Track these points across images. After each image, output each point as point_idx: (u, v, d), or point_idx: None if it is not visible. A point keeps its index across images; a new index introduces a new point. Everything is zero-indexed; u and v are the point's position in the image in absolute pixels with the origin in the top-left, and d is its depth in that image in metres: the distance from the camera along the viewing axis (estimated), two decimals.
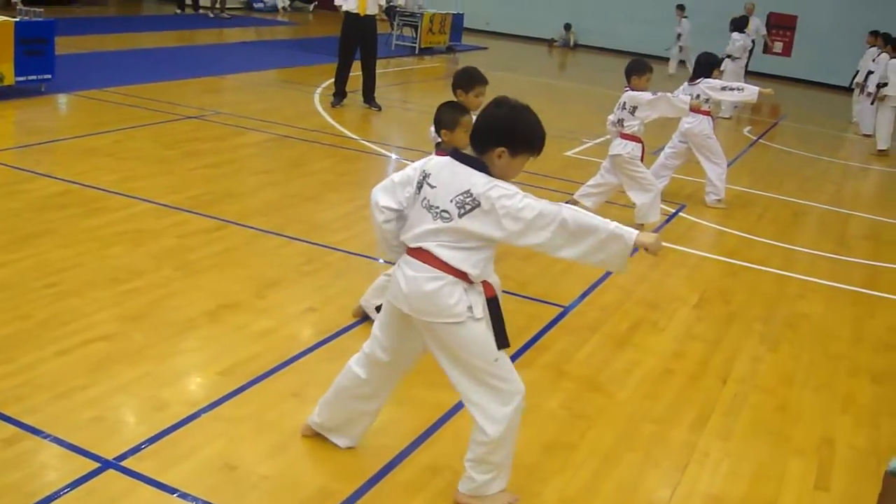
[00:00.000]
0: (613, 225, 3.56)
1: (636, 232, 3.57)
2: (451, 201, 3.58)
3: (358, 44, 13.24)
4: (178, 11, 23.71)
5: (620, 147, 8.37)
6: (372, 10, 13.05)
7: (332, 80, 13.51)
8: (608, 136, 8.80)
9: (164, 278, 6.19)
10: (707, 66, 9.78)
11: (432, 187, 3.66)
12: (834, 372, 6.05)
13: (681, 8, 22.95)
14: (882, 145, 15.00)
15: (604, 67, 23.81)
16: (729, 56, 17.35)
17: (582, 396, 5.24)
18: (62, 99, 11.83)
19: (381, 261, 6.66)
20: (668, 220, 9.19)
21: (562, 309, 6.52)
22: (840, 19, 23.35)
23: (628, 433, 4.87)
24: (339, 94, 13.37)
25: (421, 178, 3.74)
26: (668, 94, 8.43)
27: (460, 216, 3.57)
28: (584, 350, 5.87)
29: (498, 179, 3.58)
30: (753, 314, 6.92)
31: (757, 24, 20.56)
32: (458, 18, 23.05)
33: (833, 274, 8.15)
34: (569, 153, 11.91)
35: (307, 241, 7.27)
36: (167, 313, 5.66)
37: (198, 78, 14.60)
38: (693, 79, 9.78)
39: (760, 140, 15.23)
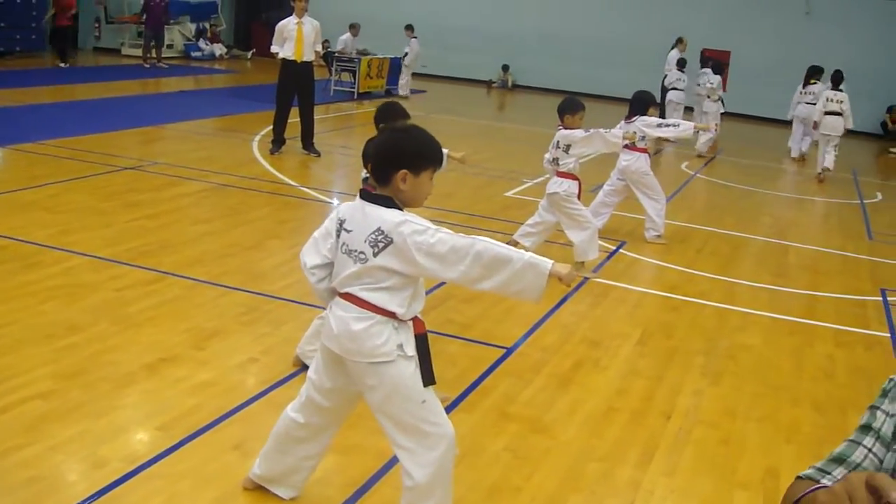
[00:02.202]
0: (528, 255, 3.56)
1: (551, 262, 3.56)
2: (365, 241, 3.60)
3: (295, 90, 13.27)
4: (62, 65, 22.83)
5: (557, 185, 8.42)
6: (308, 56, 13.09)
7: (271, 127, 13.49)
8: (548, 177, 8.85)
9: (101, 333, 6.10)
10: (642, 103, 9.87)
11: (348, 232, 3.68)
12: (776, 402, 6.10)
13: (409, 28, 23.27)
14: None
15: (542, 107, 23.98)
16: (709, 96, 17.78)
17: (526, 438, 5.22)
18: None
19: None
20: (608, 258, 9.25)
21: (504, 350, 6.51)
22: (771, 53, 23.80)
23: (573, 474, 4.86)
24: (278, 140, 13.36)
25: (338, 226, 3.76)
26: (601, 130, 8.49)
27: (374, 255, 3.58)
28: (528, 391, 5.86)
29: (409, 214, 3.60)
30: (695, 348, 6.97)
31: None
32: (395, 62, 23.15)
33: (772, 305, 8.24)
34: (509, 193, 11.96)
35: (247, 291, 7.21)
36: (105, 369, 5.57)
37: (136, 128, 14.49)
38: (629, 116, 9.87)
39: (698, 174, 15.41)
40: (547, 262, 3.55)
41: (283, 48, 12.96)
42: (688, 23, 24.40)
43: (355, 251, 3.64)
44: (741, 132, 21.99)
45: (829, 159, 16.21)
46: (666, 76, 20.74)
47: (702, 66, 20.64)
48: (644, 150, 9.87)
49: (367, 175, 5.11)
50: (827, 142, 16.32)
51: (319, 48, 13.57)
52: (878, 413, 1.83)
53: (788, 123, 19.37)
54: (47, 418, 4.88)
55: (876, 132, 23.58)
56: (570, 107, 8.42)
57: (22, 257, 7.49)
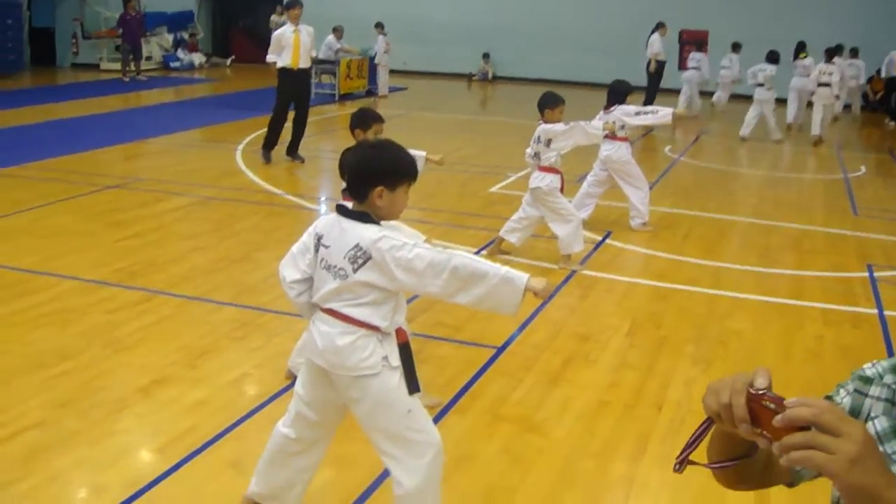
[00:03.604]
0: (504, 270, 3.60)
1: (527, 276, 3.61)
2: (345, 258, 3.64)
3: (293, 98, 13.27)
4: None
5: (539, 180, 8.46)
6: (305, 63, 13.12)
7: (253, 135, 13.49)
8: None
9: (93, 358, 6.13)
10: (620, 92, 9.89)
11: (326, 247, 3.72)
12: None
13: (379, 26, 23.28)
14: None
15: (523, 98, 23.98)
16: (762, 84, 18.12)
17: (519, 438, 5.27)
18: None
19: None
20: (595, 248, 9.30)
21: (495, 350, 6.55)
22: (749, 31, 23.83)
23: (567, 472, 4.91)
24: (269, 146, 13.29)
25: (315, 241, 3.79)
26: (582, 123, 8.53)
27: (354, 271, 3.62)
28: (520, 390, 5.91)
29: (386, 229, 3.65)
30: (685, 336, 7.02)
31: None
32: (374, 61, 23.13)
33: (760, 288, 8.30)
34: (494, 189, 12.01)
35: (237, 305, 7.25)
36: (99, 394, 5.61)
37: (117, 145, 14.50)
38: (607, 106, 9.89)
39: (681, 158, 15.47)
40: (523, 277, 3.60)
41: (281, 57, 12.94)
42: (664, 5, 24.43)
43: (335, 266, 3.68)
44: (723, 112, 22.02)
45: (819, 126, 18.08)
46: (651, 60, 20.81)
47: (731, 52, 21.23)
48: (625, 139, 9.91)
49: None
50: (822, 108, 18.20)
51: (314, 54, 13.60)
52: (841, 391, 1.85)
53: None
54: (44, 449, 4.91)
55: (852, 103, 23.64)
56: (550, 101, 8.46)
57: (9, 286, 7.51)
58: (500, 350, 6.58)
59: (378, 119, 6.04)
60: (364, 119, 6.03)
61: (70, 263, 8.11)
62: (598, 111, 10.00)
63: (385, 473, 4.65)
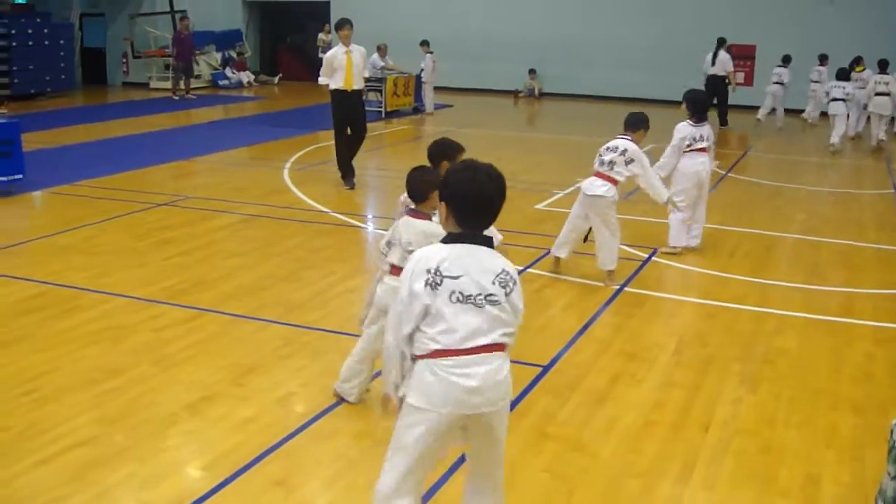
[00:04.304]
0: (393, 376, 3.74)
1: (391, 390, 3.77)
2: (493, 283, 3.59)
3: (348, 120, 13.15)
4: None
5: (602, 188, 8.41)
6: (358, 84, 12.99)
7: (300, 153, 13.54)
8: (579, 186, 8.83)
9: (141, 375, 6.21)
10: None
11: (456, 278, 3.54)
12: (815, 407, 6.09)
13: (425, 44, 23.22)
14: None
15: (569, 115, 24.05)
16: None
17: (565, 457, 5.26)
18: (33, 198, 11.89)
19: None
20: (641, 266, 9.25)
21: (541, 368, 6.54)
22: (796, 45, 23.66)
23: (613, 491, 4.89)
24: (347, 174, 13.15)
25: (432, 276, 3.55)
26: (655, 172, 8.73)
27: (507, 294, 3.61)
28: (566, 409, 5.89)
29: None
30: (731, 355, 6.96)
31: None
32: (421, 79, 23.21)
33: (808, 305, 8.22)
34: (539, 206, 12.00)
35: (283, 323, 7.30)
36: (147, 411, 5.67)
37: (167, 163, 14.67)
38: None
39: (730, 174, 15.35)
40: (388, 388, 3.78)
41: (334, 78, 12.83)
42: (712, 20, 24.32)
43: (479, 295, 3.56)
44: (768, 126, 21.88)
45: (882, 132, 18.98)
46: (709, 76, 20.97)
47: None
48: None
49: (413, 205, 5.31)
50: (879, 118, 18.95)
51: (367, 74, 13.59)
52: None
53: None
54: (92, 465, 4.98)
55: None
56: (641, 123, 8.74)
57: (61, 302, 7.63)
58: (547, 368, 6.56)
59: (461, 149, 5.92)
60: (451, 149, 5.88)
61: (120, 281, 8.22)
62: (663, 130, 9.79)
63: (452, 469, 4.72)
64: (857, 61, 20.08)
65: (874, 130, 19.15)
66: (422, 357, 3.59)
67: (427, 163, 5.77)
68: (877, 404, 6.16)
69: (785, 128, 21.32)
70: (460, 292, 3.54)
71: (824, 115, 20.33)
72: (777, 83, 21.61)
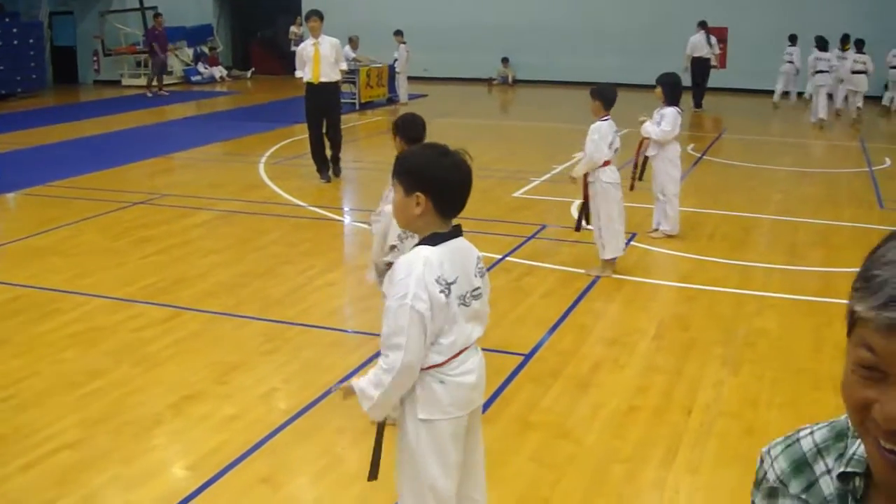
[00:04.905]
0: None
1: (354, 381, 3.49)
2: (476, 275, 3.43)
3: (321, 113, 13.06)
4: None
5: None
6: (328, 77, 12.82)
7: (275, 147, 13.49)
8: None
9: (123, 376, 6.18)
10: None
11: (452, 284, 3.30)
12: (797, 387, 6.12)
13: (398, 34, 23.22)
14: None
15: (543, 102, 24.07)
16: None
17: (550, 446, 5.27)
18: (7, 199, 11.81)
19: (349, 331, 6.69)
20: None
21: (523, 357, 6.55)
22: (768, 26, 23.74)
23: (599, 478, 4.91)
24: (321, 167, 13.07)
25: (442, 288, 3.26)
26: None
27: (482, 280, 3.48)
28: (549, 397, 5.91)
29: None
30: (713, 338, 6.99)
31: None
32: (394, 69, 23.16)
33: (788, 286, 8.26)
34: (517, 194, 11.99)
35: (264, 319, 7.28)
36: (130, 412, 5.65)
37: (142, 161, 14.59)
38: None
39: (704, 157, 15.40)
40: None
41: (304, 71, 12.79)
42: (684, 2, 24.37)
43: (467, 293, 3.37)
44: (742, 107, 21.96)
45: (859, 103, 20.18)
46: (694, 58, 21.20)
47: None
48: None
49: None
50: (854, 94, 20.27)
51: (344, 66, 13.48)
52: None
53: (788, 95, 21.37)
54: (77, 468, 4.96)
55: (878, 95, 23.44)
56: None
57: (39, 305, 7.58)
58: (528, 357, 6.58)
59: (423, 128, 5.81)
60: (413, 127, 5.74)
61: (97, 282, 8.18)
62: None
63: None
64: (845, 40, 20.83)
65: (852, 103, 20.36)
66: (425, 370, 3.35)
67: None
68: None
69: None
70: (459, 295, 3.33)
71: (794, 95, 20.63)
72: (789, 62, 22.20)
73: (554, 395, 5.95)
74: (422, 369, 3.34)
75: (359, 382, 3.41)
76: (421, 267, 3.23)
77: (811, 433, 1.45)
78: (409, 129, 5.64)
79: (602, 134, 8.10)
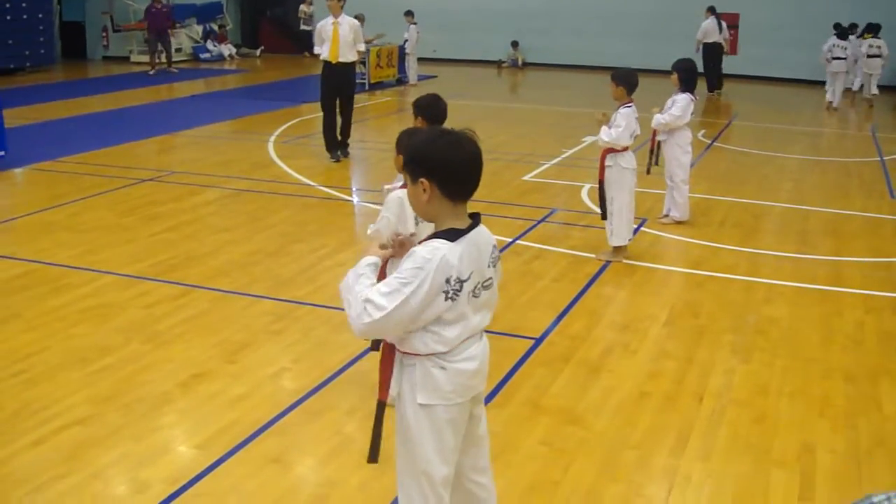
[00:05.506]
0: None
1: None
2: (489, 266, 3.35)
3: (336, 93, 13.02)
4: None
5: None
6: (346, 57, 12.80)
7: (285, 126, 13.44)
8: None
9: (133, 353, 6.17)
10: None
11: (465, 281, 3.21)
12: (807, 376, 6.10)
13: (409, 14, 23.11)
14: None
15: (553, 85, 23.98)
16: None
17: (560, 430, 5.26)
18: (16, 174, 11.79)
19: None
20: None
21: (533, 341, 6.53)
22: (780, 12, 23.62)
23: (609, 463, 4.90)
24: (331, 146, 13.05)
25: (453, 286, 3.18)
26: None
27: (495, 269, 3.41)
28: (559, 381, 5.89)
29: None
30: (723, 325, 6.97)
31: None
32: (404, 49, 23.08)
33: (798, 274, 8.22)
34: (527, 177, 11.95)
35: (273, 298, 7.27)
36: (140, 389, 5.64)
37: (151, 138, 14.57)
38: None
39: (715, 143, 15.34)
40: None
41: (322, 48, 12.77)
42: None
43: (480, 283, 3.30)
44: (754, 95, 21.87)
45: (875, 88, 21.03)
46: (706, 44, 21.24)
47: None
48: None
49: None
50: (870, 77, 21.10)
51: (362, 47, 13.42)
52: None
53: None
54: (87, 444, 4.95)
55: (892, 84, 23.33)
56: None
57: (49, 280, 7.57)
58: (539, 341, 6.56)
59: (445, 111, 5.82)
60: (434, 110, 5.74)
61: (108, 258, 8.17)
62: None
63: None
64: (869, 29, 21.36)
65: (867, 88, 21.26)
66: (425, 356, 3.31)
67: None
68: (868, 372, 6.18)
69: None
70: (470, 290, 3.24)
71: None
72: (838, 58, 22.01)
73: (564, 379, 5.93)
74: (423, 355, 3.30)
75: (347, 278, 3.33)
76: (434, 267, 3.13)
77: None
78: (431, 109, 5.67)
79: (628, 123, 8.09)
